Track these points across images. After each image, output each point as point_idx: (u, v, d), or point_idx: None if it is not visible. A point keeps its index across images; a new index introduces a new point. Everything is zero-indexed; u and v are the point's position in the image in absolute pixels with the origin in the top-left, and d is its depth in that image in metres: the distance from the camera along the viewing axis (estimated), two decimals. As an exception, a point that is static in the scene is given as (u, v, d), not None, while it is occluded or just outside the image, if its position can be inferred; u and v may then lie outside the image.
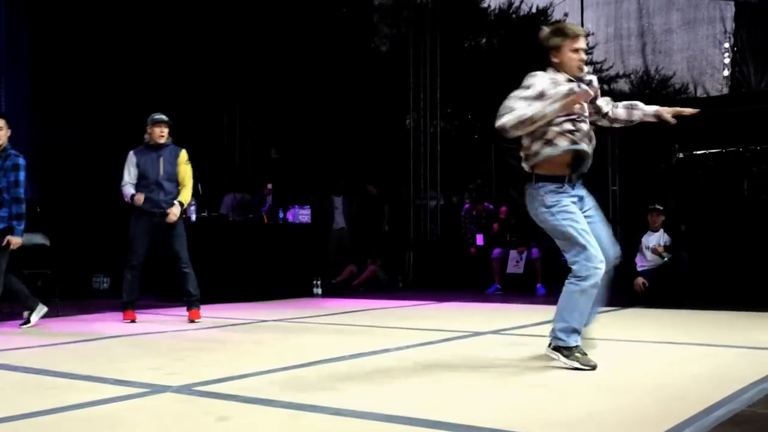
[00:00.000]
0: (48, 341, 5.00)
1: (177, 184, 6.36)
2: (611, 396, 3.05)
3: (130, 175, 6.29)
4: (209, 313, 6.90)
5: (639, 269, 7.86)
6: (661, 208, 8.01)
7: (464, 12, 17.15)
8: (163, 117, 6.32)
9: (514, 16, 18.07)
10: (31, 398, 3.11)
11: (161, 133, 6.27)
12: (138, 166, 6.27)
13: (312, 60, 12.64)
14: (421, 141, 12.53)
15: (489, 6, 18.16)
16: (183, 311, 6.53)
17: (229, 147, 11.75)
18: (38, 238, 6.89)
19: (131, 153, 6.35)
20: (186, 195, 6.42)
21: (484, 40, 18.43)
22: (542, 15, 17.85)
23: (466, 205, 11.40)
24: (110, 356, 4.38)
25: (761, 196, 9.82)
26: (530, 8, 17.74)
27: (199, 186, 9.14)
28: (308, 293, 9.15)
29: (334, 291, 9.66)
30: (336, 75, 13.20)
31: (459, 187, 14.59)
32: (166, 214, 6.20)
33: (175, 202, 6.29)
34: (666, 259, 7.69)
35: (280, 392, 3.14)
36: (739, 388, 3.11)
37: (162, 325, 6.06)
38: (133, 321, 6.22)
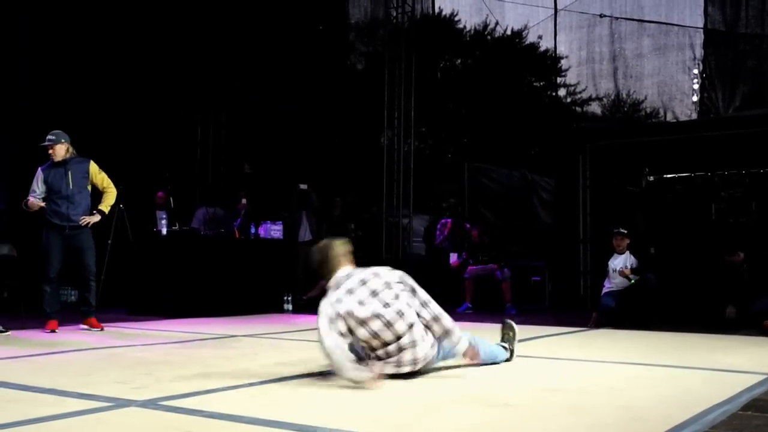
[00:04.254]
0: (12, 353, 4.92)
1: (88, 195, 6.59)
2: (576, 416, 3.07)
3: (38, 190, 6.50)
4: (178, 327, 6.86)
5: (605, 291, 7.92)
6: (625, 231, 8.07)
7: (440, 32, 17.31)
8: (48, 139, 6.47)
9: (489, 37, 18.26)
10: (-8, 411, 3.06)
11: (51, 152, 6.48)
12: (46, 181, 6.48)
13: (288, 76, 12.65)
14: (395, 159, 12.57)
15: (464, 27, 18.35)
16: (152, 325, 6.51)
17: (202, 161, 11.71)
18: (5, 249, 6.81)
19: (39, 169, 6.55)
20: (109, 200, 6.67)
21: (459, 61, 18.60)
22: (517, 37, 18.07)
23: (444, 220, 11.41)
24: (75, 369, 4.32)
25: (728, 220, 9.99)
26: (505, 30, 17.94)
27: (171, 199, 9.13)
28: (279, 309, 9.11)
29: (304, 307, 9.61)
30: (311, 91, 13.22)
31: (433, 205, 14.65)
32: (76, 227, 6.45)
33: (95, 212, 6.56)
34: (633, 281, 7.76)
35: (246, 408, 3.11)
36: (702, 410, 3.15)
37: (130, 338, 5.99)
38: (53, 331, 6.31)
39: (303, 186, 10.42)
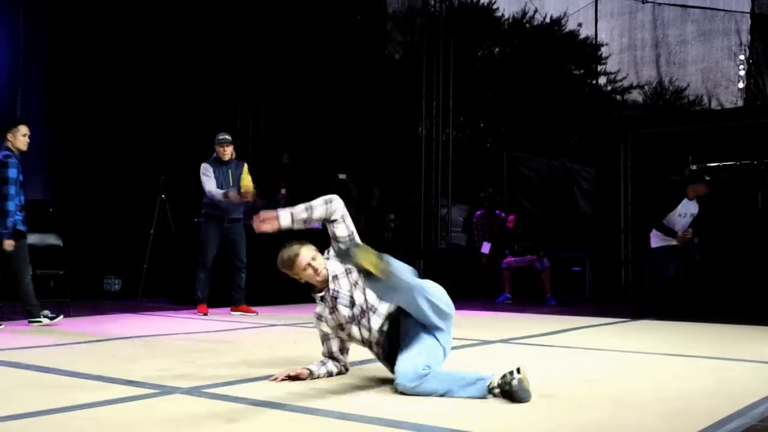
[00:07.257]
0: (59, 341, 5.03)
1: None
2: (620, 408, 3.04)
3: (212, 182, 6.90)
4: (220, 315, 6.95)
5: (657, 245, 7.60)
6: (708, 178, 7.90)
7: (478, 21, 17.18)
8: (227, 137, 7.02)
9: (527, 25, 18.08)
10: (42, 396, 3.13)
11: (224, 152, 6.98)
12: (214, 176, 6.94)
13: (325, 66, 12.67)
14: (433, 149, 12.53)
15: (503, 15, 18.18)
16: (194, 314, 6.66)
17: (241, 151, 11.77)
18: (51, 239, 6.94)
19: (206, 165, 6.96)
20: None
21: (497, 49, 18.44)
22: (556, 25, 17.87)
23: (478, 212, 11.35)
24: (121, 357, 4.40)
25: (775, 209, 9.77)
26: (544, 18, 17.74)
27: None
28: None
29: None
30: (349, 82, 13.22)
31: (471, 195, 14.59)
32: (232, 220, 7.01)
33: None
34: (695, 241, 7.49)
35: (289, 396, 3.14)
36: (750, 403, 3.09)
37: (173, 326, 6.09)
38: (205, 314, 6.83)
39: (342, 176, 10.45)
